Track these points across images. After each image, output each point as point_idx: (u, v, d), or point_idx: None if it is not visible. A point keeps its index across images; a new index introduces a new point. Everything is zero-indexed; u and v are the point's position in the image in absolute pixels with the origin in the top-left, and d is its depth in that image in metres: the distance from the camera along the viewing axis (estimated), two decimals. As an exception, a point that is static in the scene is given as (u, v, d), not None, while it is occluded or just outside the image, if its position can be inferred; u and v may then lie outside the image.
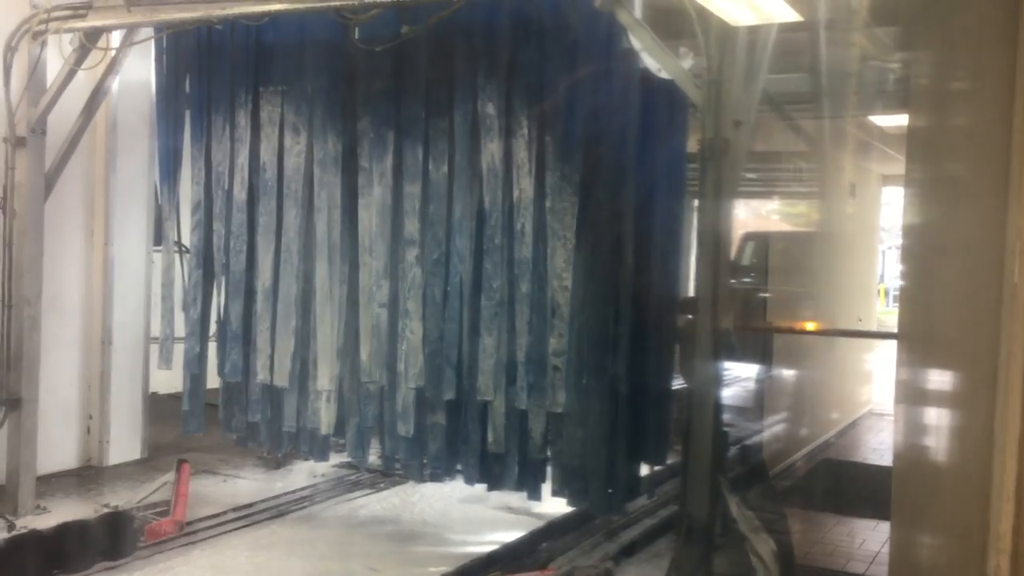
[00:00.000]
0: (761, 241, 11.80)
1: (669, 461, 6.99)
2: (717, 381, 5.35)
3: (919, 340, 2.38)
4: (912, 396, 2.44)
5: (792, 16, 5.08)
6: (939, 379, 2.32)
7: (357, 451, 7.11)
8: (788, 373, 9.34)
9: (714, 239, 5.19)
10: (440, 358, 6.56)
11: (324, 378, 6.97)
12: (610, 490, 6.73)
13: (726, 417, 8.56)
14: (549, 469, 6.60)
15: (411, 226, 6.62)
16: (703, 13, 5.11)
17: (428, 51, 6.51)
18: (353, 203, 6.87)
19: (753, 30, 5.49)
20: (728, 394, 10.89)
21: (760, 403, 10.47)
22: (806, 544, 7.08)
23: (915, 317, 2.42)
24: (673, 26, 5.81)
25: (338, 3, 5.73)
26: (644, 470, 7.00)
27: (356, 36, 6.23)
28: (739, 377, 12.40)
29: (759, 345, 8.73)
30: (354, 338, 6.92)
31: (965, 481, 2.17)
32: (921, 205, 2.44)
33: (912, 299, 2.44)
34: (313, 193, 6.98)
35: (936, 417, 2.34)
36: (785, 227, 13.95)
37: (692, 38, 5.46)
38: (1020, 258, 2.10)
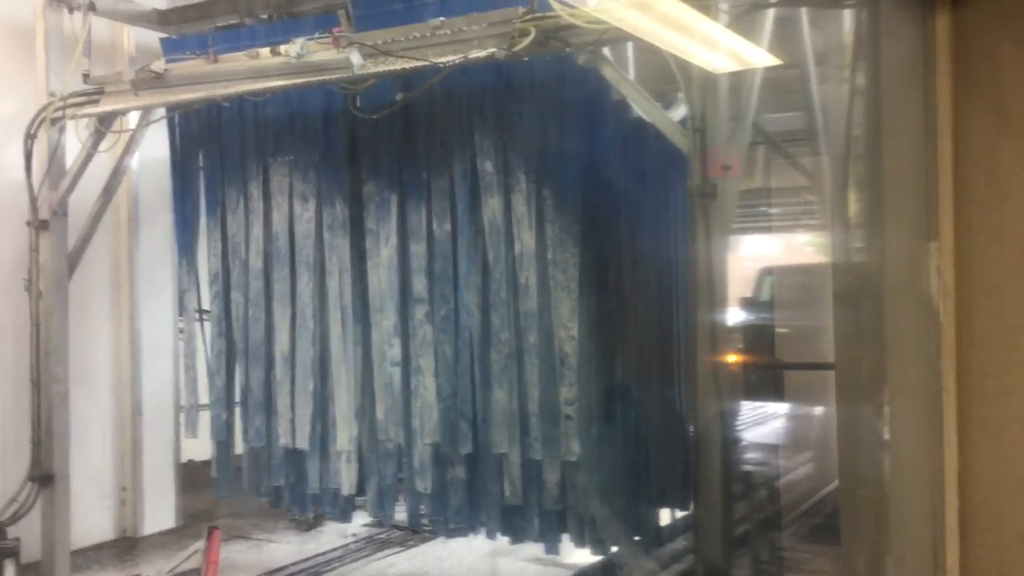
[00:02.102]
0: (780, 275, 11.71)
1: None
2: (723, 421, 5.34)
3: (856, 379, 2.42)
4: (853, 432, 2.47)
5: (772, 61, 5.17)
6: (878, 415, 2.35)
7: (378, 510, 7.16)
8: (808, 409, 9.23)
9: (708, 280, 5.24)
10: (455, 413, 6.63)
11: (343, 439, 7.06)
12: (635, 537, 6.73)
13: (753, 457, 8.51)
14: (572, 518, 6.60)
15: (419, 284, 6.75)
16: (684, 64, 5.22)
17: (426, 114, 6.68)
18: (362, 265, 7.02)
19: (739, 75, 5.60)
20: (752, 434, 10.78)
21: (781, 440, 10.35)
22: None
23: (851, 356, 2.46)
24: (667, 74, 5.94)
25: (334, 76, 5.93)
26: (669, 515, 6.99)
27: (356, 104, 6.42)
28: (769, 415, 12.28)
29: (770, 381, 8.66)
30: (370, 398, 7.02)
31: (911, 515, 2.19)
32: (852, 244, 2.50)
33: (846, 337, 2.48)
34: (324, 258, 7.15)
35: (878, 453, 2.37)
36: (811, 260, 13.84)
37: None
38: (944, 298, 2.14)
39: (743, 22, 5.40)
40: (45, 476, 7.26)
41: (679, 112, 6.23)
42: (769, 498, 7.49)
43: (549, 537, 6.62)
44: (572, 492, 6.38)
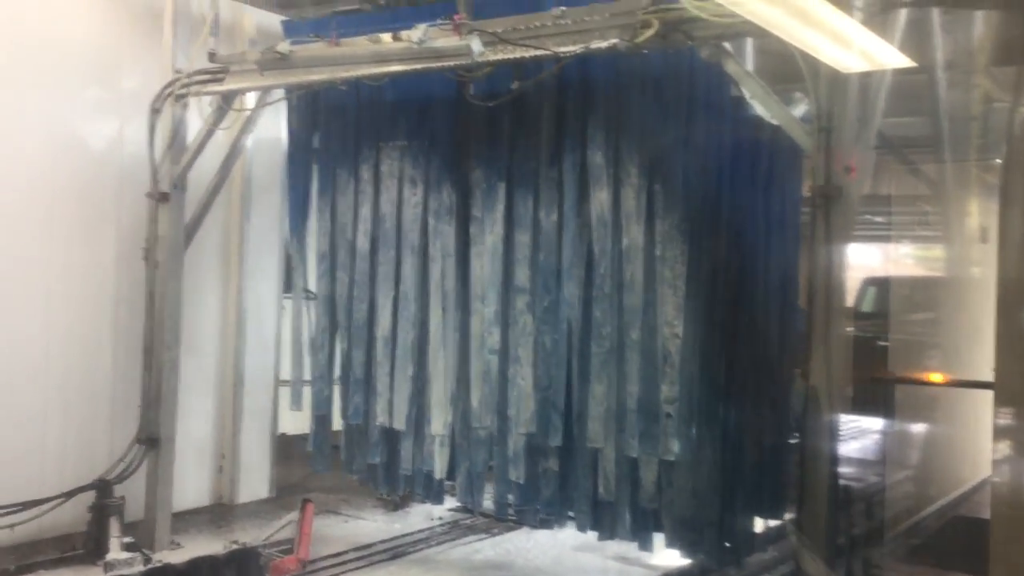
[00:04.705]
0: (883, 287, 11.34)
1: (787, 516, 6.80)
2: (833, 434, 5.20)
3: (1019, 391, 2.29)
4: (1013, 448, 2.34)
5: (906, 62, 5.00)
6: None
7: (467, 496, 7.21)
8: (913, 426, 8.93)
9: (826, 286, 5.10)
10: (551, 405, 6.62)
11: (438, 423, 7.13)
12: (726, 543, 6.60)
13: (849, 471, 8.28)
14: (665, 518, 6.51)
15: (522, 274, 6.75)
16: (812, 61, 5.09)
17: (539, 104, 6.67)
18: (466, 252, 7.06)
19: (865, 76, 5.43)
20: (852, 447, 10.48)
21: (884, 457, 10.03)
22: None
23: (1015, 368, 2.33)
24: (786, 72, 5.80)
25: (453, 63, 5.97)
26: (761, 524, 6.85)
27: (471, 92, 6.44)
28: (865, 429, 11.92)
29: (879, 396, 8.39)
30: (466, 384, 7.06)
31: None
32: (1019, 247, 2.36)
33: (1011, 349, 2.35)
34: (428, 243, 7.21)
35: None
36: (914, 272, 13.38)
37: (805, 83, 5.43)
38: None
39: (875, 22, 5.24)
40: (152, 439, 7.53)
41: (798, 111, 6.08)
42: (869, 514, 7.28)
43: (641, 535, 6.56)
44: (667, 492, 6.31)
